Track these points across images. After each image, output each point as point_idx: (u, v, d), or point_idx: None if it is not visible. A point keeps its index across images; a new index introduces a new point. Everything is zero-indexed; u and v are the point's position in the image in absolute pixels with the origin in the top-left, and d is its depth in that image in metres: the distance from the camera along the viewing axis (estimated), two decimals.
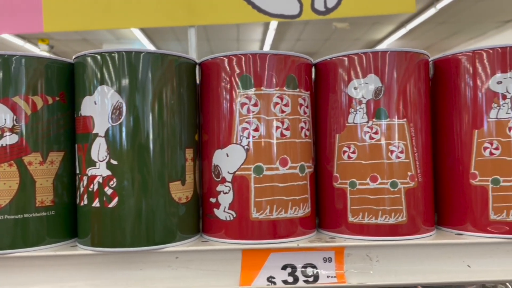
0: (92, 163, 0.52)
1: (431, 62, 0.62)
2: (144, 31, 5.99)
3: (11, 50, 0.53)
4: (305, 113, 0.57)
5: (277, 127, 0.55)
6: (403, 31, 6.24)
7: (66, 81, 0.56)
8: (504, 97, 0.55)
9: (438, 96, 0.61)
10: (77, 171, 0.54)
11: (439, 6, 5.39)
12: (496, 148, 0.55)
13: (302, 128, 0.57)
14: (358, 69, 0.56)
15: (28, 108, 0.53)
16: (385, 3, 1.16)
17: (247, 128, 0.54)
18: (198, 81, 0.60)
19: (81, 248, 0.54)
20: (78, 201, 0.54)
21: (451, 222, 0.59)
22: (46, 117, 0.54)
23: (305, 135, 0.57)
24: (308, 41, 6.87)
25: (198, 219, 0.59)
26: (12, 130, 0.52)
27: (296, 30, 6.38)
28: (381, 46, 6.95)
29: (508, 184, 0.54)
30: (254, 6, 1.17)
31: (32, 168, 0.53)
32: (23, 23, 1.19)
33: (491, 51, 0.56)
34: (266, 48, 6.88)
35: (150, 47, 6.70)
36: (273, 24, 5.83)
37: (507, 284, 0.72)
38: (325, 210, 0.60)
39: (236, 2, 1.17)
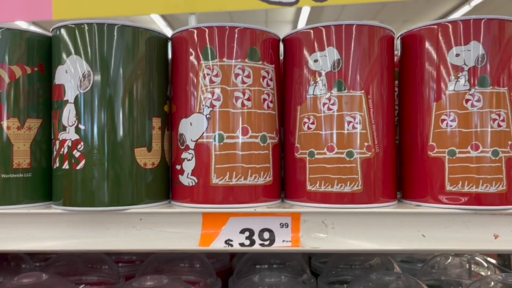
0: (63, 128, 0.56)
1: (399, 37, 0.63)
2: (169, 23, 6.05)
3: None
4: (268, 85, 0.59)
5: (238, 98, 0.57)
6: None
7: (45, 54, 0.60)
8: (462, 70, 0.55)
9: (404, 70, 0.62)
10: (52, 137, 0.59)
11: (473, 3, 5.26)
12: (453, 120, 0.55)
13: (264, 99, 0.59)
14: (319, 42, 0.58)
15: (7, 77, 0.57)
16: None
17: (209, 98, 0.57)
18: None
19: (54, 208, 0.58)
20: (52, 164, 0.59)
21: (412, 194, 0.60)
22: (25, 86, 0.59)
23: (268, 107, 0.59)
24: None
25: (167, 187, 0.62)
26: None
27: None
28: None
29: (464, 155, 0.55)
30: None
31: (10, 132, 0.57)
32: (33, 11, 1.26)
33: (452, 24, 0.56)
34: None
35: None
36: (304, 13, 5.76)
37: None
38: (289, 180, 0.62)
39: None
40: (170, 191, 0.63)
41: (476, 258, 0.79)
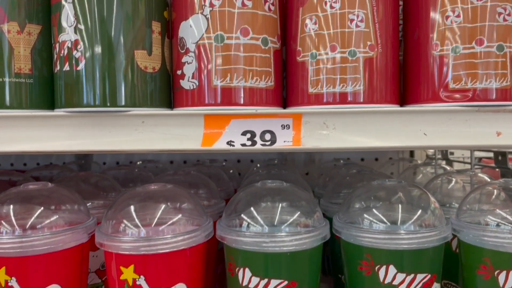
0: (63, 30, 0.56)
1: None
2: None
3: None
4: None
5: None
6: None
7: None
8: None
9: None
10: (52, 42, 0.58)
11: None
12: (458, 16, 0.54)
13: (265, 1, 0.58)
14: None
15: None
16: None
17: None
18: None
19: (56, 111, 0.58)
20: (53, 69, 0.59)
21: (416, 98, 0.59)
22: None
23: (269, 9, 0.58)
24: None
25: (169, 95, 0.62)
26: None
27: None
28: None
29: (468, 51, 0.54)
30: None
31: (10, 36, 0.57)
32: None
33: None
34: None
35: None
36: None
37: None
38: (291, 88, 0.61)
39: None
40: (172, 101, 0.63)
41: (480, 175, 0.79)
